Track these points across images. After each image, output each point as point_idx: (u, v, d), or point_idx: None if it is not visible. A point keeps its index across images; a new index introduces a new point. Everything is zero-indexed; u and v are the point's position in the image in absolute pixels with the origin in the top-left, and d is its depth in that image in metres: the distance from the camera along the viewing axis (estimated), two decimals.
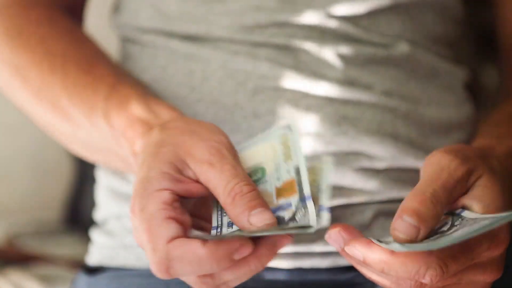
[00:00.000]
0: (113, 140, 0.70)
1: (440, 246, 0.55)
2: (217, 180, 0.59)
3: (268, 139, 0.65)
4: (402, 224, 0.57)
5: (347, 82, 0.75)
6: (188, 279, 0.59)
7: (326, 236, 0.60)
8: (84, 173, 1.36)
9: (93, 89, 0.73)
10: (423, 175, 0.61)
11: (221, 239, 0.56)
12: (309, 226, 0.57)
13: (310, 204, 0.59)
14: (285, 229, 0.58)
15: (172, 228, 0.56)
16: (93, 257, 0.81)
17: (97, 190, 0.84)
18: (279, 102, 0.74)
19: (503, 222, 0.55)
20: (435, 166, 0.61)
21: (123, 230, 0.79)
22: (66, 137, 0.78)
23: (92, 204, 0.88)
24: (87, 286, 0.80)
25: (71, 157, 1.39)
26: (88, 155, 0.79)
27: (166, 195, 0.58)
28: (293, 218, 0.59)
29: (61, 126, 0.77)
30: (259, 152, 0.65)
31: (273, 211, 0.60)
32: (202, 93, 0.76)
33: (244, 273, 0.58)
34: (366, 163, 0.73)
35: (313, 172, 0.63)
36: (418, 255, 0.57)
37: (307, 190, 0.60)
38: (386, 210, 0.73)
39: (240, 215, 0.58)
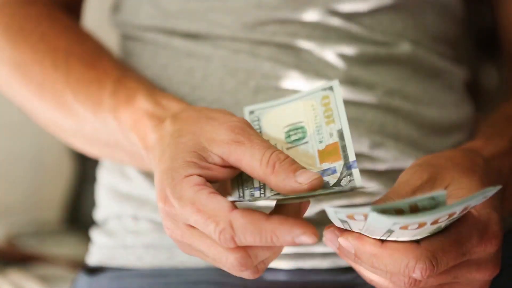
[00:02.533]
0: (121, 134, 0.70)
1: (423, 217, 0.54)
2: (250, 155, 0.59)
3: (308, 97, 0.64)
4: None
5: (349, 82, 0.75)
6: (227, 263, 0.58)
7: (324, 238, 0.60)
8: (84, 173, 1.37)
9: (98, 84, 0.73)
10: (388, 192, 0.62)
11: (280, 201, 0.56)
12: (360, 187, 0.58)
13: (355, 171, 0.59)
14: (334, 190, 0.58)
15: (225, 200, 0.57)
16: (93, 257, 0.81)
17: (97, 190, 0.84)
18: None
19: (486, 194, 0.55)
20: (397, 181, 0.62)
21: (124, 230, 0.79)
22: (69, 132, 0.78)
23: (92, 204, 0.88)
24: (88, 286, 0.80)
25: (71, 157, 1.39)
26: (91, 150, 0.79)
27: (196, 179, 0.58)
28: (338, 184, 0.59)
29: (64, 121, 0.77)
30: (299, 109, 0.64)
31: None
32: (203, 92, 0.76)
33: (277, 252, 0.59)
34: (368, 165, 0.73)
35: (323, 103, 0.63)
36: (407, 247, 0.57)
37: (352, 157, 0.60)
38: None
39: (286, 179, 0.58)
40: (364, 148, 0.73)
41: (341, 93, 0.63)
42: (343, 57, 0.76)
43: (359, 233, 0.58)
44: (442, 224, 0.56)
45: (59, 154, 1.40)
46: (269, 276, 0.73)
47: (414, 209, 0.55)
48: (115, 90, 0.71)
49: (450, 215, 0.55)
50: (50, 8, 0.81)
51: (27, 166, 1.41)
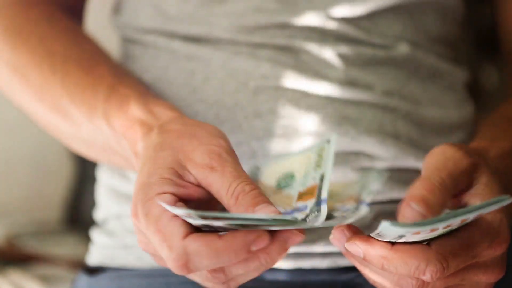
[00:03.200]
0: (114, 140, 0.70)
1: (443, 220, 0.54)
2: (219, 184, 0.59)
3: (307, 151, 0.65)
4: (410, 211, 0.56)
5: (347, 82, 0.75)
6: (200, 276, 0.59)
7: (331, 237, 0.60)
8: (84, 173, 1.36)
9: (93, 89, 0.73)
10: (427, 166, 0.61)
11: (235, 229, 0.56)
12: (302, 221, 0.58)
13: (323, 207, 0.59)
14: (285, 220, 0.58)
15: (182, 225, 0.57)
16: (94, 257, 0.81)
17: (97, 190, 0.84)
18: (280, 102, 0.74)
19: (501, 204, 0.55)
20: (440, 156, 0.61)
21: (124, 230, 0.79)
22: (67, 136, 0.78)
23: (92, 204, 0.88)
24: (88, 286, 0.80)
25: (71, 157, 1.39)
26: (89, 154, 0.79)
27: (168, 197, 0.58)
28: (304, 219, 0.59)
29: (62, 125, 0.77)
30: (296, 161, 0.65)
31: (290, 212, 0.61)
32: (203, 93, 0.76)
33: (254, 268, 0.58)
34: (367, 163, 0.74)
35: (318, 153, 0.64)
36: (418, 250, 0.57)
37: (324, 195, 0.60)
38: (387, 211, 0.73)
39: (245, 213, 0.58)
40: (363, 146, 0.74)
41: (335, 145, 0.63)
42: (342, 58, 0.76)
43: (368, 235, 0.58)
44: (453, 228, 0.57)
45: (59, 154, 1.40)
46: (269, 276, 0.73)
47: None
48: (108, 96, 0.71)
49: (462, 221, 0.55)
50: (50, 10, 0.81)
51: (27, 166, 1.41)
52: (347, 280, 0.73)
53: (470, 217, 0.55)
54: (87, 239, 0.88)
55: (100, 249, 0.81)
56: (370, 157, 0.74)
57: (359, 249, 0.58)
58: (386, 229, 0.55)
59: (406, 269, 0.57)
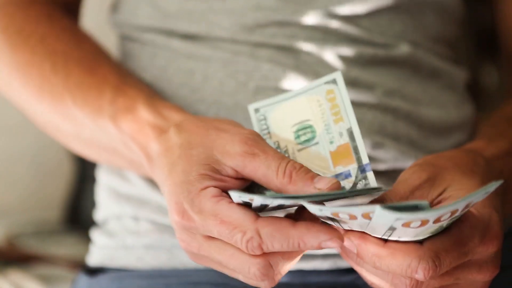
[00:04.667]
0: (120, 142, 0.70)
1: (431, 213, 0.54)
2: (266, 167, 0.59)
3: (312, 92, 0.64)
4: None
5: (348, 83, 0.75)
6: (249, 274, 0.59)
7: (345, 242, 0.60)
8: (84, 173, 1.36)
9: (97, 90, 0.73)
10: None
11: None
12: (378, 188, 0.58)
13: (370, 174, 0.59)
14: (354, 191, 0.58)
15: (248, 210, 0.57)
16: (94, 258, 0.81)
17: (97, 190, 0.84)
18: None
19: (487, 190, 0.55)
20: (397, 181, 0.63)
21: (124, 230, 0.78)
22: (67, 136, 0.78)
23: (92, 204, 0.88)
24: (88, 287, 0.80)
25: (71, 157, 1.39)
26: (90, 154, 0.79)
27: (213, 190, 0.59)
28: (354, 188, 0.59)
29: (63, 125, 0.76)
30: (304, 106, 0.64)
31: None
32: (203, 93, 0.76)
33: (296, 256, 0.59)
34: None
35: (328, 98, 0.63)
36: (410, 247, 0.57)
37: (365, 159, 0.60)
38: None
39: (305, 187, 0.58)
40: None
41: (344, 86, 0.63)
42: (342, 58, 0.76)
43: (362, 232, 0.58)
44: (444, 223, 0.56)
45: (59, 154, 1.40)
46: None
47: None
48: (114, 97, 0.71)
49: (452, 213, 0.55)
50: (49, 8, 0.81)
51: (27, 166, 1.41)
52: (347, 282, 0.73)
53: (459, 207, 0.55)
54: (87, 239, 0.88)
55: (100, 250, 0.81)
56: (370, 159, 0.74)
57: (353, 244, 0.58)
58: (378, 216, 0.54)
59: (398, 266, 0.57)
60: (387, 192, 0.61)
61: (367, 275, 0.61)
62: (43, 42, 0.77)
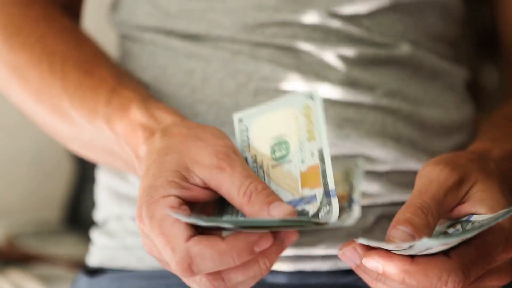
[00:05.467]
0: (116, 144, 0.70)
1: (465, 236, 0.55)
2: (230, 183, 0.59)
3: (290, 105, 0.64)
4: (398, 232, 0.58)
5: (349, 83, 0.75)
6: (199, 285, 0.59)
7: (340, 253, 0.60)
8: (84, 173, 1.36)
9: (93, 92, 0.73)
10: (414, 190, 0.62)
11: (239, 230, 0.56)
12: (325, 223, 0.57)
13: (334, 200, 0.59)
14: (302, 221, 0.58)
15: (185, 228, 0.57)
16: (94, 258, 0.81)
17: (97, 190, 0.84)
18: None
19: None
20: (424, 178, 0.62)
21: (124, 231, 0.78)
22: (66, 137, 0.78)
23: (92, 204, 0.88)
24: (88, 287, 0.80)
25: (71, 157, 1.39)
26: (89, 155, 0.79)
27: (173, 200, 0.58)
28: (316, 214, 0.59)
29: (61, 127, 0.76)
30: (283, 119, 0.64)
31: (298, 202, 0.60)
32: (202, 94, 0.76)
33: (253, 274, 0.58)
34: (368, 166, 0.73)
35: (345, 171, 0.63)
36: (439, 261, 0.57)
37: (331, 184, 0.60)
38: (389, 214, 0.73)
39: (259, 211, 0.58)
40: (365, 149, 0.73)
41: (321, 105, 0.62)
42: (343, 58, 0.76)
43: (385, 250, 0.58)
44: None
45: (59, 154, 1.40)
46: (270, 279, 0.73)
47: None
48: (109, 99, 0.71)
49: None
50: (48, 9, 0.81)
51: (27, 166, 1.41)
52: (347, 283, 0.73)
53: (493, 223, 0.56)
54: (87, 239, 0.88)
55: (100, 250, 0.81)
56: (371, 160, 0.74)
57: (379, 265, 0.58)
58: (421, 245, 0.55)
59: (428, 281, 0.57)
60: (416, 191, 0.61)
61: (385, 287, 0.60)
62: (42, 43, 0.77)
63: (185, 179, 0.60)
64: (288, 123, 0.63)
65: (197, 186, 0.60)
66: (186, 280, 0.60)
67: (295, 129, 0.63)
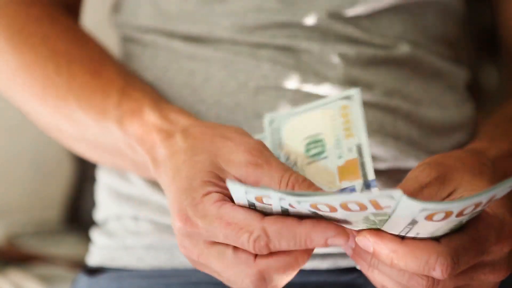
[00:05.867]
0: (125, 145, 0.70)
1: (455, 204, 0.53)
2: (269, 178, 0.60)
3: (327, 106, 0.64)
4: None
5: (348, 82, 0.75)
6: (242, 285, 0.59)
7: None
8: (84, 173, 1.36)
9: (102, 93, 0.73)
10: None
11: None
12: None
13: (375, 190, 0.59)
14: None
15: (250, 210, 0.57)
16: (94, 258, 0.81)
17: (97, 190, 0.84)
18: (281, 103, 0.74)
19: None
20: (406, 178, 0.62)
21: (124, 230, 0.78)
22: (70, 138, 0.78)
23: (92, 204, 0.88)
24: (88, 287, 0.80)
25: (71, 157, 1.39)
26: (92, 156, 0.79)
27: (216, 196, 0.59)
28: None
29: (65, 127, 0.76)
30: (317, 119, 0.64)
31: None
32: (204, 94, 0.76)
33: (292, 274, 0.59)
34: None
35: (343, 113, 0.63)
36: (428, 244, 0.57)
37: (371, 175, 0.60)
38: None
39: None
40: None
41: (361, 104, 0.63)
42: (342, 58, 0.76)
43: (378, 229, 0.58)
44: (464, 219, 0.56)
45: (59, 154, 1.40)
46: None
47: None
48: (120, 100, 0.71)
49: (476, 206, 0.55)
50: (50, 8, 0.81)
51: (27, 166, 1.41)
52: (347, 281, 0.73)
53: (483, 200, 0.54)
54: (87, 239, 0.88)
55: (100, 250, 0.81)
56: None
57: (369, 243, 0.58)
58: (404, 206, 0.54)
59: (416, 264, 0.56)
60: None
61: (378, 278, 0.60)
62: (45, 42, 0.77)
63: (221, 179, 0.60)
64: (324, 123, 0.64)
65: None
66: (226, 282, 0.60)
67: (331, 128, 0.63)
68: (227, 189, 0.60)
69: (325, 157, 0.63)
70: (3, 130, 1.38)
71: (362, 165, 0.61)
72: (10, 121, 1.36)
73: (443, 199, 0.61)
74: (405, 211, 0.54)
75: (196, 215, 0.58)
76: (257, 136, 0.65)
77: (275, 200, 0.57)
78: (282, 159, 0.65)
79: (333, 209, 0.55)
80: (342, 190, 0.61)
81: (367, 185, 0.60)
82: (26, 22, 0.79)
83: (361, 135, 0.62)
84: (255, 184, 0.60)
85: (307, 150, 0.64)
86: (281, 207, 0.57)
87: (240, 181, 0.61)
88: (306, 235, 0.56)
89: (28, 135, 1.38)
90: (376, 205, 0.54)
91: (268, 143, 0.65)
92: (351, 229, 0.59)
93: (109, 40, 0.88)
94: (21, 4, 0.81)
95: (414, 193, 0.60)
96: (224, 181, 0.60)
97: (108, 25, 0.87)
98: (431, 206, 0.53)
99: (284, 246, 0.57)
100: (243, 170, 0.60)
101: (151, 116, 0.68)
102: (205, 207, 0.58)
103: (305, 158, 0.64)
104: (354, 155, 0.62)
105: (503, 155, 0.70)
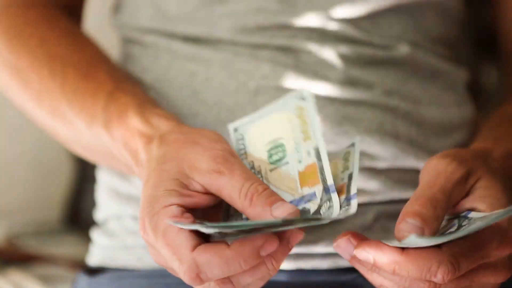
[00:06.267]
0: (115, 149, 0.70)
1: (456, 236, 0.55)
2: (230, 187, 0.59)
3: (282, 108, 0.64)
4: (406, 225, 0.58)
5: (348, 82, 0.75)
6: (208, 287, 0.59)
7: (334, 245, 0.60)
8: (84, 173, 1.36)
9: (92, 96, 0.73)
10: (421, 182, 0.62)
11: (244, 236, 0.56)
12: (323, 219, 0.57)
13: (334, 195, 0.59)
14: (305, 219, 0.58)
15: (190, 237, 0.57)
16: (94, 258, 0.81)
17: (97, 190, 0.84)
18: None
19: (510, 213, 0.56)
20: (432, 171, 0.62)
21: (124, 230, 0.78)
22: (66, 140, 0.78)
23: (92, 204, 0.88)
24: (88, 287, 0.80)
25: (71, 157, 1.39)
26: (90, 157, 0.79)
27: (174, 209, 0.58)
28: (318, 211, 0.59)
29: (61, 129, 0.76)
30: (276, 123, 0.64)
31: (298, 201, 0.60)
32: (204, 95, 0.76)
33: (262, 275, 0.58)
34: (367, 163, 0.74)
35: (344, 156, 0.63)
36: (430, 252, 0.57)
37: (330, 180, 0.60)
38: (387, 212, 0.73)
39: (262, 213, 0.58)
40: (364, 146, 0.73)
41: (314, 105, 0.62)
42: (342, 58, 0.76)
43: (378, 241, 0.58)
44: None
45: (59, 154, 1.40)
46: None
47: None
48: (107, 104, 0.71)
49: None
50: (50, 11, 0.81)
51: (27, 166, 1.41)
52: (347, 281, 0.73)
53: (483, 226, 0.56)
54: (87, 239, 0.88)
55: (100, 250, 0.81)
56: (370, 157, 0.74)
57: (369, 256, 0.58)
58: (412, 242, 0.55)
59: (418, 271, 0.57)
60: (424, 184, 0.61)
61: (378, 280, 0.60)
62: (43, 46, 0.77)
63: (185, 186, 0.60)
64: (283, 126, 0.63)
65: (198, 192, 0.60)
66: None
67: (289, 131, 0.63)
68: (192, 196, 0.60)
69: (287, 163, 0.62)
70: (3, 130, 1.38)
71: (321, 170, 0.60)
72: (10, 121, 1.36)
73: (464, 194, 0.62)
74: (414, 243, 0.56)
75: (150, 226, 0.58)
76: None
77: (206, 230, 0.57)
78: (248, 167, 0.64)
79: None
80: (303, 197, 0.60)
81: (326, 191, 0.59)
82: (25, 25, 0.79)
83: (318, 137, 0.61)
84: (218, 192, 0.60)
85: (270, 156, 0.64)
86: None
87: (204, 188, 0.60)
88: (237, 256, 0.56)
89: (28, 135, 1.38)
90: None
91: None
92: (350, 238, 0.59)
93: (110, 41, 0.88)
94: (21, 7, 0.81)
95: (449, 192, 0.60)
96: (188, 188, 0.60)
97: (109, 27, 0.87)
98: (441, 241, 0.55)
99: (217, 274, 0.56)
100: (206, 177, 0.60)
101: (134, 120, 0.68)
102: (158, 219, 0.58)
103: (268, 165, 0.63)
104: (313, 159, 0.61)
105: (508, 156, 0.70)
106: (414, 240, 0.55)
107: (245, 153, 0.65)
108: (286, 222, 0.56)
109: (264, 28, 0.76)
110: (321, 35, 0.76)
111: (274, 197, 0.59)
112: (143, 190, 0.61)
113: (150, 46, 0.80)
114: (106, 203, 0.81)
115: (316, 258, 0.72)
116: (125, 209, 0.78)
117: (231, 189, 0.59)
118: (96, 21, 0.99)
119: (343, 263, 0.72)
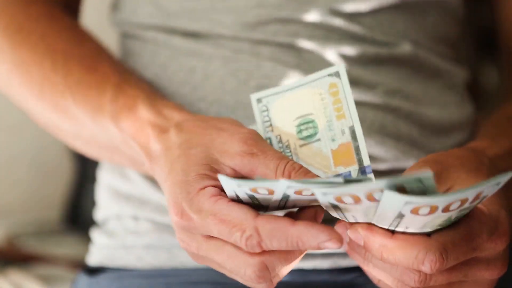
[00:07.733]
0: (121, 141, 0.70)
1: (447, 197, 0.53)
2: (265, 167, 0.60)
3: (314, 84, 0.63)
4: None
5: (350, 82, 0.75)
6: (243, 276, 0.58)
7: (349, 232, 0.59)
8: (84, 173, 1.36)
9: (97, 89, 0.73)
10: None
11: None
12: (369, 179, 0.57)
13: (371, 176, 0.59)
14: (365, 179, 0.57)
15: (245, 207, 0.57)
16: (94, 258, 0.81)
17: (97, 190, 0.84)
18: None
19: (497, 183, 0.54)
20: (403, 174, 0.62)
21: (124, 230, 0.78)
22: (68, 134, 0.78)
23: (92, 204, 0.88)
24: (88, 287, 0.80)
25: (71, 157, 1.39)
26: (90, 152, 0.79)
27: (212, 190, 0.59)
28: None
29: (63, 124, 0.76)
30: (306, 98, 0.63)
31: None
32: (203, 92, 0.76)
33: (294, 258, 0.59)
34: None
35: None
36: (417, 239, 0.56)
37: (367, 161, 0.60)
38: None
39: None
40: None
41: (347, 80, 0.62)
42: (344, 57, 0.76)
43: (369, 223, 0.58)
44: (453, 215, 0.56)
45: (59, 154, 1.40)
46: None
47: (403, 192, 0.54)
48: (115, 96, 0.71)
49: (462, 202, 0.54)
50: (49, 7, 0.81)
51: (27, 166, 1.41)
52: (348, 281, 0.73)
53: (470, 196, 0.54)
54: (87, 239, 0.88)
55: (100, 249, 0.81)
56: (371, 157, 0.74)
57: (360, 236, 0.58)
58: (388, 199, 0.53)
59: (405, 258, 0.56)
60: None
61: (374, 272, 0.60)
62: (44, 41, 0.77)
63: (216, 171, 0.60)
64: (314, 102, 0.63)
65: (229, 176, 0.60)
66: (228, 273, 0.59)
67: (321, 108, 0.63)
68: None
69: (318, 140, 0.62)
70: (3, 130, 1.38)
71: (357, 150, 0.60)
72: (10, 121, 1.36)
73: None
74: (390, 204, 0.54)
75: (191, 209, 0.58)
76: (250, 127, 0.65)
77: (280, 188, 0.56)
78: (274, 141, 0.64)
79: (357, 200, 0.54)
80: (337, 176, 0.60)
81: (362, 171, 0.60)
82: (25, 21, 0.79)
83: (353, 117, 0.61)
84: (250, 173, 0.60)
85: (299, 132, 0.63)
86: (283, 195, 0.57)
87: (236, 171, 0.60)
88: (298, 237, 0.56)
89: (28, 135, 1.38)
90: (371, 197, 0.54)
91: (258, 123, 0.65)
92: (344, 223, 0.59)
93: (109, 38, 0.88)
94: (21, 3, 0.81)
95: None
96: (219, 173, 0.60)
97: (107, 23, 0.87)
98: (415, 200, 0.53)
99: (276, 246, 0.56)
100: (238, 160, 0.60)
101: (145, 112, 0.68)
102: (200, 201, 0.58)
103: (297, 140, 0.63)
104: (347, 138, 0.61)
105: (503, 154, 0.70)
106: (389, 196, 0.53)
107: (271, 125, 0.65)
108: (348, 181, 0.55)
109: (265, 23, 0.76)
110: (324, 31, 0.76)
111: (311, 174, 0.59)
112: (169, 176, 0.61)
113: (150, 42, 0.80)
114: (106, 203, 0.81)
115: (316, 258, 0.73)
116: (125, 209, 0.78)
117: (265, 169, 0.59)
118: (95, 18, 0.99)
119: (344, 263, 0.72)
